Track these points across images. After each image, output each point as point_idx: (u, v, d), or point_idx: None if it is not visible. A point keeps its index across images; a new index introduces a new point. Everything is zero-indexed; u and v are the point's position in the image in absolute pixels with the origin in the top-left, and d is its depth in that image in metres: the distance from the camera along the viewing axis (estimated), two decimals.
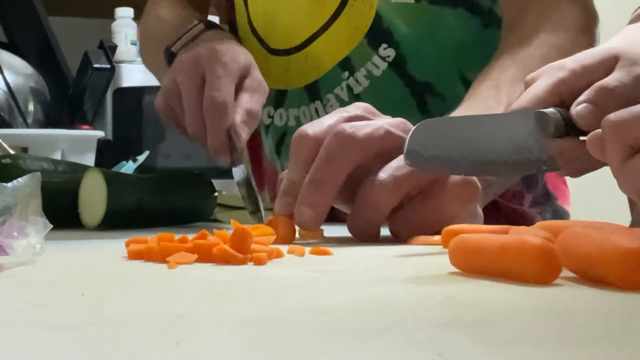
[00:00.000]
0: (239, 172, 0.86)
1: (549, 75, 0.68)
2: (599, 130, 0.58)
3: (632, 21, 0.77)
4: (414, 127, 0.63)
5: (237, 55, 0.90)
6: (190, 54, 0.91)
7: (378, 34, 0.99)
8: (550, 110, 0.66)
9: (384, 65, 0.99)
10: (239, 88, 0.89)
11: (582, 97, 0.65)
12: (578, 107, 0.64)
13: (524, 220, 1.01)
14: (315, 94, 1.04)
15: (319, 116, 1.03)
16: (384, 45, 0.99)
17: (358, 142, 0.69)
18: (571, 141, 0.65)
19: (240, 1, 1.11)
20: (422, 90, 1.00)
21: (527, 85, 0.70)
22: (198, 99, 0.87)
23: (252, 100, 0.89)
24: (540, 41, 0.87)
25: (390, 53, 0.99)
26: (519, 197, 1.04)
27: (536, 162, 0.66)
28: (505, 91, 0.81)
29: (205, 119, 0.86)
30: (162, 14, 1.15)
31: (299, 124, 1.05)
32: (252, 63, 0.92)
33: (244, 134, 0.87)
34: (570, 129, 0.65)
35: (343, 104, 0.99)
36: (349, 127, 0.70)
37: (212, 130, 0.86)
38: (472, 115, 0.72)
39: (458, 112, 0.79)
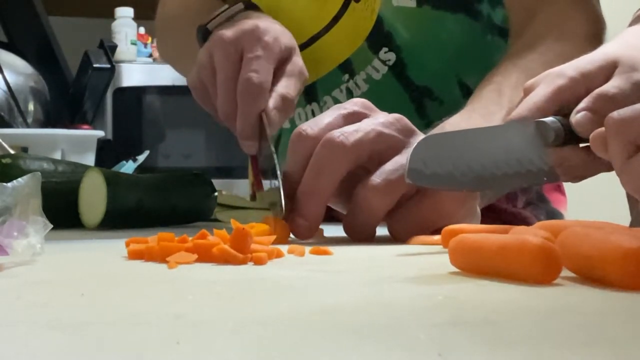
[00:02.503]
0: (266, 165, 0.80)
1: (547, 82, 0.68)
2: (602, 129, 0.58)
3: (633, 22, 0.77)
4: (415, 145, 0.63)
5: (280, 36, 0.85)
6: (231, 29, 0.85)
7: (379, 37, 0.99)
8: (550, 119, 0.66)
9: (384, 69, 0.99)
10: (278, 72, 0.84)
11: (581, 105, 0.65)
12: (578, 115, 0.64)
13: (517, 220, 1.01)
14: (313, 96, 1.04)
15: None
16: (385, 49, 0.99)
17: (348, 150, 0.69)
18: (571, 149, 0.65)
19: None
20: (421, 95, 1.00)
21: (526, 92, 0.70)
22: (233, 77, 0.82)
23: (288, 86, 0.83)
24: (545, 48, 0.86)
25: (391, 57, 0.99)
26: (513, 199, 1.05)
27: (537, 173, 0.65)
28: (508, 95, 0.81)
29: (238, 100, 0.81)
30: (183, 1, 1.12)
31: (294, 126, 1.05)
32: (294, 46, 0.87)
33: (277, 120, 0.82)
34: (569, 136, 0.65)
35: None
36: (338, 134, 0.69)
37: (244, 113, 0.81)
38: (471, 129, 0.72)
39: (460, 116, 0.79)
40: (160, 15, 1.16)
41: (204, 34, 0.89)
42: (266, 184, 0.80)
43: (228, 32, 0.84)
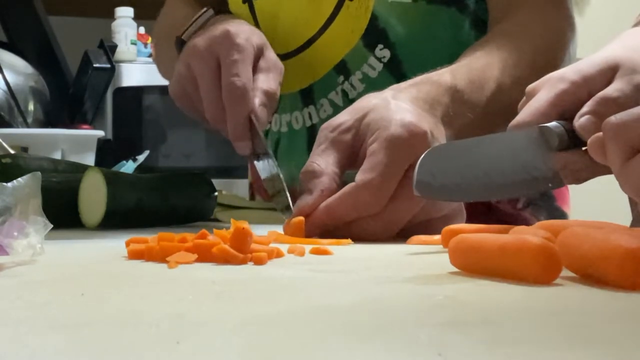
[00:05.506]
0: (265, 166, 0.84)
1: (550, 87, 0.68)
2: (600, 134, 0.58)
3: (637, 24, 0.77)
4: (422, 156, 0.63)
5: (251, 36, 0.89)
6: (203, 37, 0.88)
7: (374, 34, 0.99)
8: (554, 124, 0.66)
9: (379, 67, 0.99)
10: (254, 70, 0.88)
11: (584, 109, 0.65)
12: (581, 119, 0.65)
13: (517, 222, 1.00)
14: (310, 99, 1.03)
15: (311, 121, 1.03)
16: (380, 46, 0.99)
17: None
18: (575, 153, 0.65)
19: (244, 8, 1.09)
20: None
21: (529, 96, 0.70)
22: (215, 83, 0.85)
23: (268, 81, 0.87)
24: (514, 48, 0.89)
25: (386, 54, 0.99)
26: (514, 200, 1.04)
27: (542, 179, 0.66)
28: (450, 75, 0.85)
29: (225, 104, 0.85)
30: (174, 16, 1.13)
31: (291, 129, 1.05)
32: (265, 43, 0.90)
33: (265, 117, 0.86)
34: (573, 141, 0.65)
35: (337, 109, 0.99)
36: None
37: (233, 115, 0.84)
38: (477, 138, 0.73)
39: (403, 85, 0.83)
40: (155, 30, 1.19)
41: (180, 44, 0.93)
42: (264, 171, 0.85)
43: (201, 42, 0.88)
